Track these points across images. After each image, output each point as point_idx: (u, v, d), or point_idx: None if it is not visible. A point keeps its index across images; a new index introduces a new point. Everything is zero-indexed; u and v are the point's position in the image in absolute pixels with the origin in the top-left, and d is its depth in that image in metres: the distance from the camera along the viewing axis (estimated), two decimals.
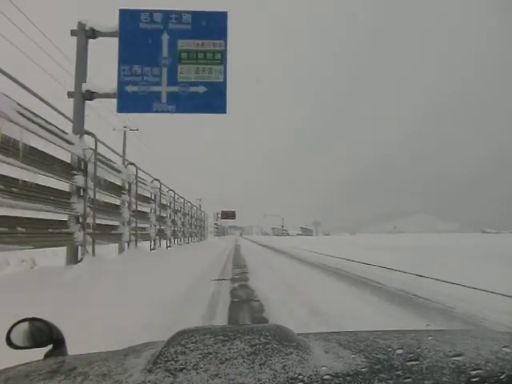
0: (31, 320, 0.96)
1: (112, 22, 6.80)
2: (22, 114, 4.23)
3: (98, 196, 6.50)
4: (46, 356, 0.93)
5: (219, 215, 55.96)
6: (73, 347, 0.98)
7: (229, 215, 58.02)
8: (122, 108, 7.10)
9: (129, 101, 6.76)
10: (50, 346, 0.96)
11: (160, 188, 12.73)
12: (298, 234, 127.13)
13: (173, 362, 0.67)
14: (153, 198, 11.95)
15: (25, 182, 4.66)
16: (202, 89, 6.80)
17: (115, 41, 6.77)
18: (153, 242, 11.83)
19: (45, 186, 5.11)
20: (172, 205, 15.50)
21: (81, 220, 5.98)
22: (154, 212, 11.98)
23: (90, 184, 6.20)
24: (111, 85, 6.81)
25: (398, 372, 0.65)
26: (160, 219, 12.77)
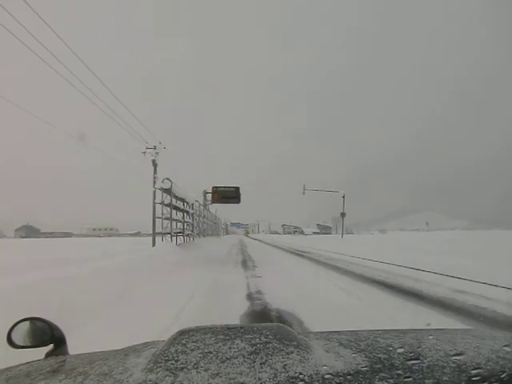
0: (32, 319, 0.96)
1: None
2: None
3: None
4: (47, 355, 0.93)
5: (208, 195, 29.79)
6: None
7: (227, 195, 30.29)
8: None
9: None
10: (50, 346, 0.96)
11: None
12: (314, 233, 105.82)
13: (173, 362, 0.67)
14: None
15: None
16: None
17: None
18: None
19: None
20: None
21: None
22: None
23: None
24: None
25: (399, 371, 0.65)
26: None
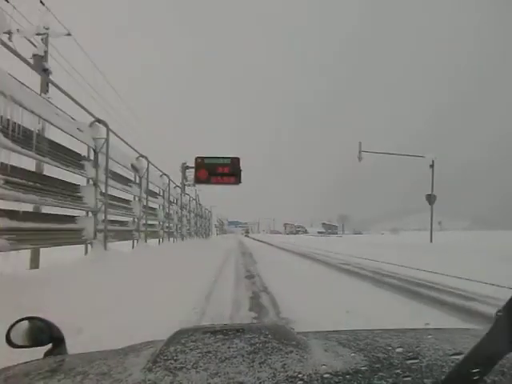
0: (31, 319, 0.95)
1: None
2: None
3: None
4: (46, 355, 0.92)
5: (188, 171, 20.22)
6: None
7: (221, 171, 16.49)
8: None
9: None
10: (49, 345, 0.96)
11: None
12: (318, 233, 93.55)
13: (172, 361, 0.67)
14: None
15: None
16: None
17: None
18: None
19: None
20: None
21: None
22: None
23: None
24: None
25: (398, 370, 0.64)
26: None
